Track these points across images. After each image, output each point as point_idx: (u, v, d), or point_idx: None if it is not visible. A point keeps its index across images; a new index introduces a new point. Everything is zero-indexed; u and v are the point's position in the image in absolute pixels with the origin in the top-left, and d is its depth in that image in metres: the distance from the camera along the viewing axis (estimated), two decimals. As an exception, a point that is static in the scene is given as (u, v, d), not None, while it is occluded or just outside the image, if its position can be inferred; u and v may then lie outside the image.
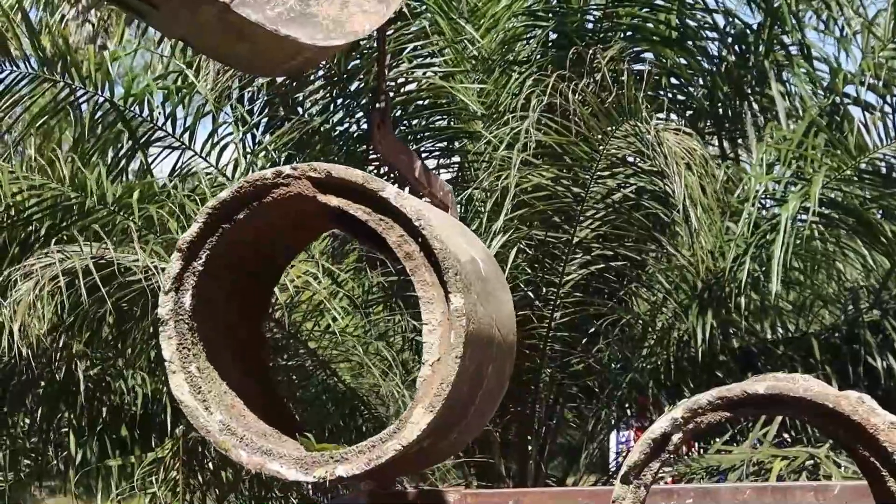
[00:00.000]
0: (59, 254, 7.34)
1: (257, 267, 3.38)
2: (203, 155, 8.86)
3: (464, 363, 2.95)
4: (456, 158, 8.83)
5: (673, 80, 9.16)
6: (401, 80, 8.51)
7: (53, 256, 7.29)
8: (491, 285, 3.28)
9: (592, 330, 8.55)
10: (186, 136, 8.83)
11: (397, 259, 3.06)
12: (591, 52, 7.66)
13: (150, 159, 8.99)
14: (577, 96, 7.36)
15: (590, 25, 8.81)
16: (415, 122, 8.72)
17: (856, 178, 8.01)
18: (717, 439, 7.95)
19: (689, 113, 9.20)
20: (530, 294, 8.17)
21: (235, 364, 3.31)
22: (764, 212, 8.46)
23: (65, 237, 8.14)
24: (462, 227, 3.47)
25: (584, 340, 8.58)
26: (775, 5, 8.80)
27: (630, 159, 8.06)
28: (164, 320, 3.14)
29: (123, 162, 8.84)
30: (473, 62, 8.41)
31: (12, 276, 7.23)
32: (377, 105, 3.45)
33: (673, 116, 9.13)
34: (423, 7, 8.22)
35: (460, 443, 3.40)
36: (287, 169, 3.05)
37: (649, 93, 8.60)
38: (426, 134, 8.76)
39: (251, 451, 3.06)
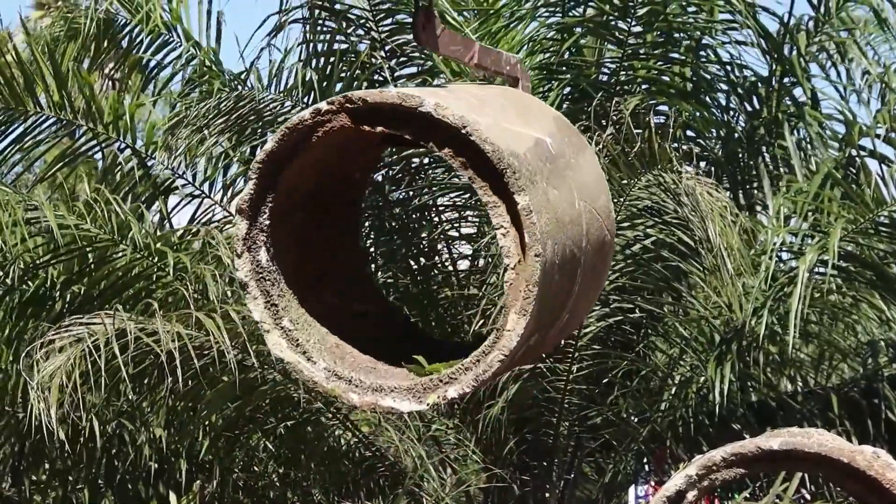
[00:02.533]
0: (81, 327, 7.32)
1: (333, 198, 3.29)
2: (222, 203, 8.91)
3: (545, 257, 2.85)
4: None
5: (688, 132, 9.19)
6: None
7: (74, 331, 7.27)
8: (563, 160, 3.13)
9: (608, 381, 8.52)
10: (206, 184, 8.90)
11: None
12: (613, 102, 7.70)
13: (169, 207, 9.04)
14: (596, 147, 7.39)
15: (604, 79, 8.86)
16: (435, 173, 8.78)
17: (873, 231, 7.99)
18: (738, 494, 7.89)
19: (704, 164, 9.21)
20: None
21: (331, 295, 3.22)
22: (781, 264, 8.44)
23: (80, 291, 8.15)
24: (523, 106, 3.29)
25: (601, 393, 8.54)
26: (788, 57, 8.83)
27: (650, 210, 8.07)
28: (245, 283, 3.06)
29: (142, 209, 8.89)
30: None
31: (33, 353, 7.20)
32: (420, 3, 3.29)
33: (689, 168, 9.13)
34: (435, 65, 8.30)
35: (574, 321, 3.27)
36: (324, 105, 2.99)
37: (666, 145, 8.62)
38: (446, 189, 8.80)
39: (362, 392, 2.98)
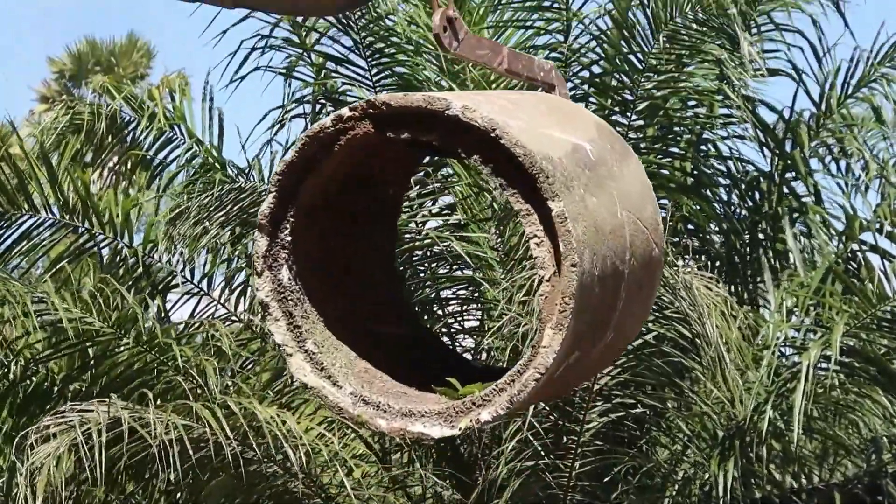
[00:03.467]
0: (77, 414, 7.29)
1: (362, 209, 3.08)
2: (221, 301, 8.90)
3: (582, 268, 2.67)
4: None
5: (689, 226, 9.22)
6: (421, 226, 8.60)
7: (70, 417, 7.24)
8: (605, 168, 2.92)
9: (611, 478, 8.45)
10: (206, 281, 8.90)
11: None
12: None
13: (168, 305, 9.03)
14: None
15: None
16: (439, 264, 8.79)
17: (875, 327, 7.99)
18: None
19: (705, 258, 9.23)
20: (550, 444, 8.10)
21: (362, 318, 3.02)
22: (784, 359, 8.42)
23: (82, 388, 8.13)
24: (562, 111, 3.07)
25: (605, 490, 8.47)
26: (790, 152, 8.89)
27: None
28: (266, 303, 2.87)
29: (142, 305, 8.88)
30: (493, 210, 8.50)
31: (29, 436, 7.18)
32: (439, 4, 3.04)
33: (690, 262, 9.15)
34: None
35: (621, 341, 3.02)
36: (346, 111, 2.81)
37: (667, 239, 8.64)
38: (445, 282, 8.81)
39: (390, 418, 2.78)
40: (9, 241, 8.54)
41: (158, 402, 7.54)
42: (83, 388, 8.28)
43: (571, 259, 2.66)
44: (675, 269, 7.31)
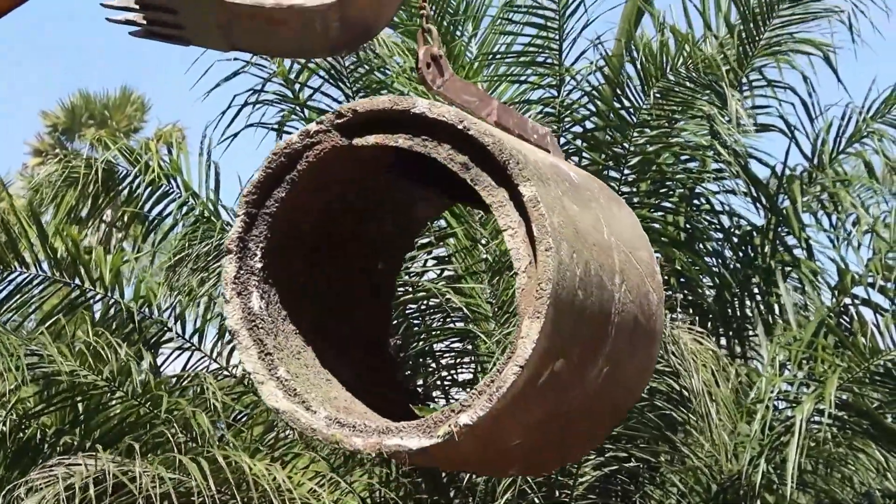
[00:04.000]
0: (64, 468, 7.26)
1: (344, 238, 2.97)
2: (213, 356, 8.90)
3: (559, 256, 2.53)
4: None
5: (681, 280, 9.24)
6: (415, 278, 8.62)
7: (57, 471, 7.21)
8: (588, 192, 2.82)
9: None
10: (196, 337, 8.90)
11: (479, 200, 2.67)
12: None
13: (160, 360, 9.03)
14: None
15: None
16: (433, 318, 8.81)
17: (868, 381, 8.00)
18: None
19: (696, 311, 9.25)
20: (543, 498, 8.08)
21: (346, 352, 2.91)
22: (777, 413, 8.42)
23: (74, 442, 8.10)
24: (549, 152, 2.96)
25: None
26: (782, 206, 8.94)
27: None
28: (235, 330, 2.76)
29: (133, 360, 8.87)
30: (487, 262, 8.53)
31: (17, 490, 7.15)
32: (423, 33, 2.93)
33: (682, 315, 9.17)
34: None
35: (619, 377, 2.80)
36: (313, 126, 2.73)
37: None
38: (439, 335, 8.82)
39: (366, 435, 2.64)
40: (1, 296, 8.55)
41: (149, 455, 7.51)
42: (75, 442, 8.25)
43: (546, 243, 2.56)
44: (665, 322, 7.33)
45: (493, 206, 2.62)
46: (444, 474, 8.47)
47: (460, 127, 2.63)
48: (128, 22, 3.01)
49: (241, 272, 2.78)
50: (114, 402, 8.21)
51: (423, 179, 2.90)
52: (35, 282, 8.56)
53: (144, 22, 3.00)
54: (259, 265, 2.77)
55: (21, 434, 8.35)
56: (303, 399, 2.74)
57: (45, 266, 8.53)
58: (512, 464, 2.88)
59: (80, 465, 7.23)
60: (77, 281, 8.56)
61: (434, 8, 8.88)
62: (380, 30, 3.00)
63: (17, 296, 8.56)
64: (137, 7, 2.99)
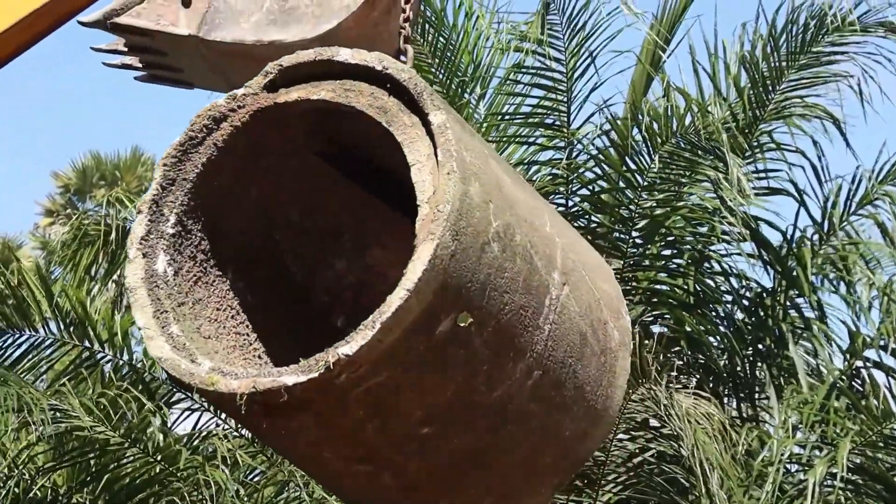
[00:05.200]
0: None
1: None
2: (223, 416, 8.86)
3: (465, 187, 2.36)
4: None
5: (691, 342, 9.20)
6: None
7: None
8: (542, 202, 2.71)
9: None
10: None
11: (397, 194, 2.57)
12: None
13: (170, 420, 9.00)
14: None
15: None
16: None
17: (882, 444, 7.93)
18: None
19: (707, 374, 9.19)
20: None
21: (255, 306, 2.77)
22: (790, 476, 8.35)
23: (86, 501, 8.06)
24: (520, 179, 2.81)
25: None
26: (793, 269, 8.91)
27: (652, 423, 8.05)
28: (133, 288, 2.63)
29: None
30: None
31: None
32: (399, 56, 2.86)
33: (692, 379, 9.12)
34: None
35: (550, 399, 2.59)
36: (240, 90, 2.64)
37: (669, 355, 8.64)
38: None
39: (243, 377, 2.46)
40: (12, 358, 8.55)
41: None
42: (87, 502, 8.20)
43: (449, 166, 2.40)
44: (662, 387, 7.30)
45: (403, 143, 2.48)
46: None
47: (378, 69, 2.55)
48: (125, 66, 2.98)
49: (150, 235, 2.67)
50: (129, 457, 8.16)
51: (345, 164, 2.82)
52: (45, 344, 8.57)
53: (140, 65, 2.97)
54: (171, 230, 2.68)
55: (33, 494, 8.30)
56: (190, 352, 2.60)
57: (53, 327, 8.55)
58: (427, 475, 2.59)
59: None
60: (86, 343, 8.56)
61: (442, 69, 8.92)
62: None
63: (28, 357, 8.56)
64: (126, 50, 2.95)
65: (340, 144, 2.82)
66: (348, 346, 2.33)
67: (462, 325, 2.39)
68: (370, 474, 2.55)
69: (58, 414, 7.92)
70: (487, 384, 2.50)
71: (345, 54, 2.58)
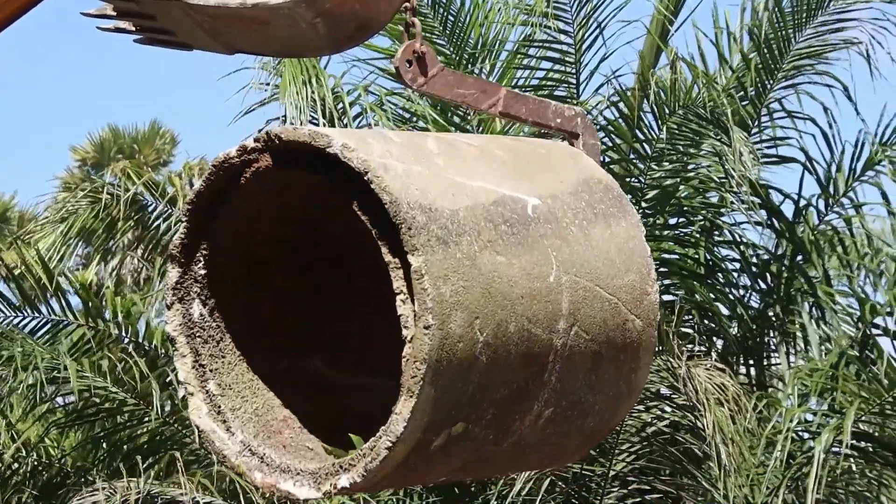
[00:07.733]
0: (105, 491, 7.37)
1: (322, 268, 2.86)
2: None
3: (443, 331, 2.40)
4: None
5: (702, 313, 9.25)
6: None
7: (99, 495, 7.32)
8: (549, 226, 2.61)
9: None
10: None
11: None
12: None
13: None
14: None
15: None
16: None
17: (891, 411, 7.98)
18: None
19: (718, 342, 9.26)
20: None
21: (283, 361, 2.79)
22: (800, 443, 8.41)
23: (94, 479, 8.21)
24: (531, 162, 2.71)
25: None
26: (800, 235, 8.94)
27: (665, 392, 8.13)
28: (173, 338, 2.69)
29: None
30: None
31: None
32: (407, 27, 2.71)
33: (705, 348, 9.19)
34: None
35: (567, 418, 2.64)
36: (251, 142, 2.63)
37: (682, 326, 8.72)
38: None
39: (268, 472, 2.59)
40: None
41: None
42: (98, 473, 8.33)
43: (424, 320, 2.41)
44: (683, 360, 7.37)
45: (389, 265, 2.48)
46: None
47: (366, 178, 2.48)
48: (118, 30, 2.98)
49: (183, 278, 2.69)
50: (146, 420, 8.29)
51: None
52: (62, 324, 8.68)
53: (134, 28, 2.97)
54: (202, 273, 2.69)
55: (42, 474, 8.44)
56: (224, 418, 2.66)
57: (55, 309, 8.66)
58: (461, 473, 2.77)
59: (123, 485, 7.34)
60: (91, 323, 8.67)
61: (450, 45, 8.96)
62: (381, 23, 2.78)
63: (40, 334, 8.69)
64: (115, 15, 2.94)
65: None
66: (346, 477, 2.47)
67: (457, 433, 2.49)
68: None
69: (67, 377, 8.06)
70: (495, 443, 2.59)
71: (336, 146, 2.50)
